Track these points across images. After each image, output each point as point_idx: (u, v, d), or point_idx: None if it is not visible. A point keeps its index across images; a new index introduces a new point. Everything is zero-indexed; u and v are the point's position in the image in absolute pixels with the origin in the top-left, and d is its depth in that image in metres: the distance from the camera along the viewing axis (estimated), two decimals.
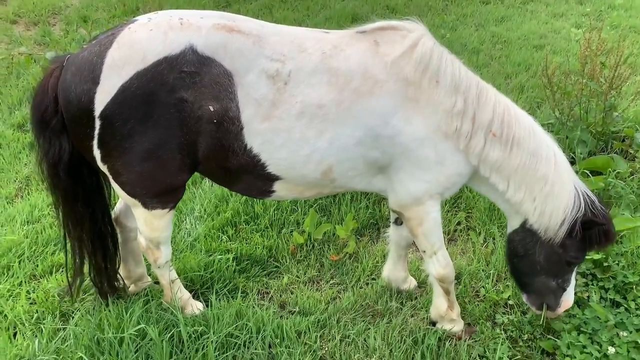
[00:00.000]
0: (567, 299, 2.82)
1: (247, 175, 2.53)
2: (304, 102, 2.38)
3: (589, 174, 3.94)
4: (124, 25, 2.39)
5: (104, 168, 2.47)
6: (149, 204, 2.56)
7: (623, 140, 4.59)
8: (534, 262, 2.77)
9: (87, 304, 3.07)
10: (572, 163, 3.29)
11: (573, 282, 2.81)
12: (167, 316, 2.88)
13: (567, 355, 2.74)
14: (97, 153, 2.42)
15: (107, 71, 2.26)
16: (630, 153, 4.46)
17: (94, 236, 2.79)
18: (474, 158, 2.55)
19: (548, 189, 2.59)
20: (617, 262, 3.25)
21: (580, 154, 4.26)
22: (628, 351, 2.70)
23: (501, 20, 8.40)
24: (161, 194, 2.53)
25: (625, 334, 2.79)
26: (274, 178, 2.56)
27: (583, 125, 4.40)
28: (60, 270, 3.31)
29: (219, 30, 2.34)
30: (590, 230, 2.62)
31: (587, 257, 2.96)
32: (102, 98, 2.28)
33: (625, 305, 3.05)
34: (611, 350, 2.69)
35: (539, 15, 8.67)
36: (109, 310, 2.89)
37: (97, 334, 2.72)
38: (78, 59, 2.34)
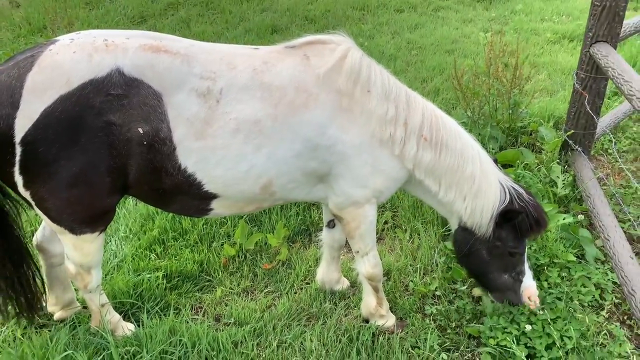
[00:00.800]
0: (528, 287, 2.92)
1: (183, 195, 2.50)
2: (238, 119, 2.38)
3: (501, 167, 4.22)
4: (43, 46, 2.28)
5: (26, 194, 2.36)
6: (76, 230, 2.46)
7: (530, 135, 4.96)
8: (480, 258, 2.92)
9: (6, 335, 2.89)
10: None
11: (528, 272, 2.94)
12: (96, 340, 2.78)
13: (490, 337, 2.92)
14: (18, 179, 2.30)
15: (28, 95, 2.16)
16: (537, 146, 4.82)
17: (4, 266, 2.64)
18: (409, 162, 2.66)
19: (476, 187, 2.74)
20: (529, 246, 3.50)
21: (492, 149, 4.55)
22: (543, 327, 2.91)
23: (415, 27, 8.80)
24: (90, 218, 2.45)
25: (540, 312, 3.01)
26: (211, 196, 2.53)
27: (493, 123, 4.71)
28: None
29: (145, 50, 2.30)
30: (515, 220, 2.77)
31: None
32: (22, 123, 2.17)
33: (539, 286, 3.30)
34: (528, 327, 2.89)
35: (449, 21, 9.17)
36: (32, 340, 2.74)
37: None
38: None
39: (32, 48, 2.33)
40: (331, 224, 3.17)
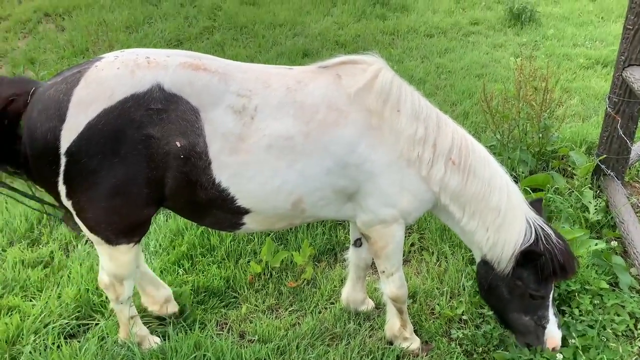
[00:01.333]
0: (552, 336, 2.77)
1: (217, 209, 2.56)
2: (271, 135, 2.44)
3: (530, 191, 4.17)
4: (90, 62, 2.42)
5: (68, 204, 2.46)
6: (113, 240, 2.55)
7: (561, 159, 4.89)
8: (499, 296, 2.82)
9: (37, 344, 2.97)
10: (515, 181, 3.50)
11: (553, 319, 2.78)
12: (124, 352, 2.83)
13: None
14: (62, 189, 2.41)
15: (74, 109, 2.28)
16: (568, 170, 4.74)
17: None
18: (435, 185, 2.65)
19: (500, 219, 2.67)
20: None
21: (522, 172, 4.50)
22: (575, 356, 2.83)
23: (445, 51, 8.83)
24: (127, 229, 2.53)
25: (572, 340, 2.93)
26: (243, 211, 2.58)
27: (523, 146, 4.67)
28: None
29: (185, 68, 2.40)
30: (536, 261, 2.65)
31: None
32: (68, 135, 2.29)
33: (569, 313, 3.21)
34: (559, 357, 2.81)
35: (480, 46, 9.17)
36: (61, 351, 2.81)
37: None
38: (44, 97, 2.34)
39: (79, 65, 2.47)
40: (358, 243, 3.17)
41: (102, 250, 2.62)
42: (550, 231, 2.74)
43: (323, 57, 8.22)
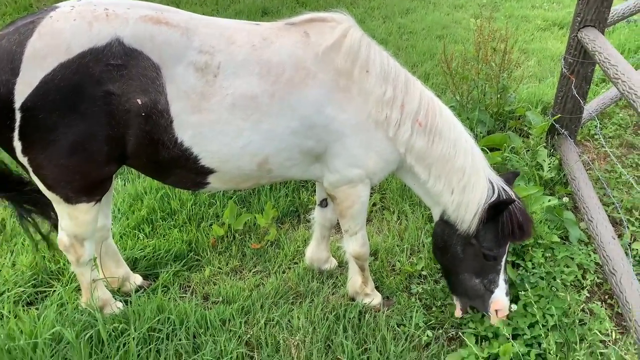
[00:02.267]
0: (498, 299, 2.77)
1: (180, 169, 2.51)
2: (234, 94, 2.38)
3: (488, 150, 4.27)
4: (44, 12, 2.28)
5: (24, 160, 2.36)
6: (72, 199, 2.47)
7: (518, 119, 5.01)
8: (453, 255, 2.84)
9: None
10: None
11: (503, 285, 2.79)
12: (84, 318, 2.79)
13: (473, 315, 2.97)
14: (17, 145, 2.30)
15: (28, 62, 2.16)
16: (524, 130, 4.87)
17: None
18: (401, 146, 2.64)
19: (465, 181, 2.70)
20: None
21: (480, 132, 4.59)
22: (525, 306, 2.97)
23: (406, 12, 8.79)
24: (87, 187, 2.46)
25: (523, 292, 3.06)
26: (207, 171, 2.54)
27: (481, 107, 4.75)
28: None
29: (146, 22, 2.29)
30: (501, 213, 2.66)
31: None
32: (22, 89, 2.17)
33: (523, 266, 3.36)
34: (513, 307, 2.94)
35: (441, 7, 9.16)
36: (19, 318, 2.75)
37: (7, 343, 2.58)
38: None
39: (33, 14, 2.32)
40: (324, 203, 3.19)
41: (61, 209, 2.54)
42: (511, 192, 2.78)
43: (283, 15, 8.05)
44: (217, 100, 2.37)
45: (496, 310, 2.80)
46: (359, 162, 2.65)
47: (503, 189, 2.77)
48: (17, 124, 2.24)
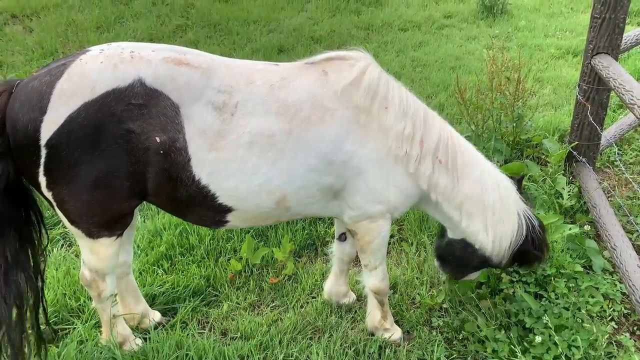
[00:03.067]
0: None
1: (198, 206, 2.54)
2: (252, 132, 2.42)
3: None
4: (76, 55, 2.41)
5: (49, 195, 2.44)
6: (94, 233, 2.52)
7: (535, 147, 4.98)
8: (465, 265, 3.06)
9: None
10: None
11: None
12: (104, 355, 2.80)
13: (495, 350, 2.90)
14: (42, 180, 2.39)
15: (55, 101, 2.27)
16: (542, 158, 4.83)
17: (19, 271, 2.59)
18: (423, 182, 2.65)
19: (497, 217, 2.73)
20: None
21: (497, 161, 4.56)
22: (550, 337, 2.89)
23: (419, 45, 8.90)
24: (108, 222, 2.51)
25: (546, 318, 2.97)
26: (226, 209, 2.56)
27: (497, 136, 4.74)
28: None
29: (167, 63, 2.38)
30: (528, 258, 2.91)
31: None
32: (48, 127, 2.28)
33: (546, 297, 3.28)
34: (538, 339, 2.87)
35: (453, 39, 9.26)
36: (39, 356, 2.77)
37: None
38: (27, 88, 2.33)
39: (66, 57, 2.45)
40: (342, 237, 3.18)
41: (84, 243, 2.59)
42: (535, 222, 2.87)
43: (298, 53, 8.22)
44: (233, 138, 2.41)
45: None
46: (379, 198, 2.65)
47: (529, 218, 2.85)
48: (43, 160, 2.33)
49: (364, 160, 2.55)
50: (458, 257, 3.01)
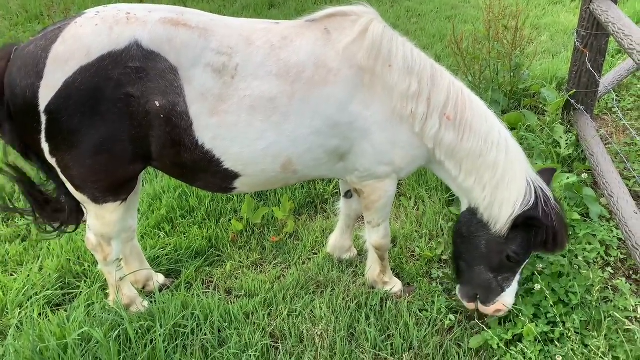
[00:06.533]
0: (504, 301, 2.70)
1: (204, 172, 2.51)
2: (252, 96, 2.36)
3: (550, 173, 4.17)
4: (72, 18, 2.35)
5: (52, 161, 2.43)
6: (100, 199, 2.52)
7: (533, 97, 4.93)
8: (475, 247, 2.73)
9: (23, 317, 2.98)
10: None
11: (514, 286, 2.71)
12: (111, 317, 2.86)
13: None
14: (45, 146, 2.38)
15: (51, 66, 2.23)
16: (540, 108, 4.79)
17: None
18: (429, 141, 2.57)
19: (498, 178, 2.56)
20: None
21: (495, 112, 4.51)
22: (548, 284, 2.95)
23: None
24: (113, 186, 2.50)
25: (541, 265, 3.02)
26: (232, 175, 2.53)
27: (494, 86, 4.69)
28: None
29: (164, 24, 2.31)
30: (535, 228, 2.55)
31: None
32: (46, 93, 2.24)
33: None
34: (537, 287, 2.91)
35: None
36: (49, 320, 2.83)
37: (38, 344, 2.66)
38: (24, 53, 2.29)
39: (62, 20, 2.39)
40: (349, 195, 3.18)
41: (90, 209, 2.60)
42: (550, 195, 2.63)
43: (290, 7, 8.00)
44: (234, 102, 2.36)
45: (497, 310, 2.73)
46: (385, 159, 2.61)
47: (542, 189, 2.61)
48: (43, 126, 2.31)
49: (369, 122, 2.50)
50: (467, 235, 2.75)
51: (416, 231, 3.65)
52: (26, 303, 3.08)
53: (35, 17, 7.65)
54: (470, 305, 2.85)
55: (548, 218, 2.55)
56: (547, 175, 2.80)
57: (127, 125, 2.31)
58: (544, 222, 2.53)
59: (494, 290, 2.73)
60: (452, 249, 2.98)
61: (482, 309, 2.79)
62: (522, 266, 2.73)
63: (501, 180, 2.57)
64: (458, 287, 2.91)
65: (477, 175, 2.61)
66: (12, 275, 3.37)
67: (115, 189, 2.53)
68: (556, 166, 3.68)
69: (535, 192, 2.59)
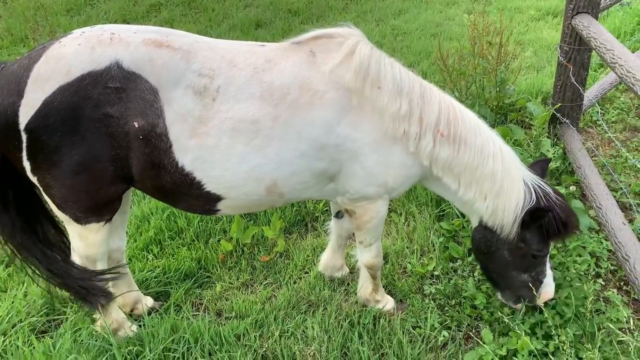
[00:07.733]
0: (547, 290, 2.79)
1: (185, 195, 2.48)
2: (234, 118, 2.34)
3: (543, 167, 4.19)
4: (57, 38, 2.35)
5: (34, 180, 2.40)
6: (82, 219, 2.48)
7: (519, 111, 4.98)
8: (500, 258, 2.78)
9: (7, 345, 2.89)
10: None
11: (549, 272, 2.80)
12: (99, 343, 2.79)
13: (492, 314, 2.95)
14: (26, 164, 2.36)
15: (32, 85, 2.22)
16: (526, 122, 4.84)
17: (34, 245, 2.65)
18: (425, 159, 2.57)
19: (498, 186, 2.60)
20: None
21: None
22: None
23: (399, 13, 8.80)
24: (95, 206, 2.46)
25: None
26: (214, 197, 2.49)
27: (481, 102, 4.73)
28: None
29: (147, 45, 2.31)
30: (543, 220, 2.61)
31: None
32: (26, 111, 2.23)
33: None
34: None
35: (433, 5, 9.16)
36: (34, 348, 2.75)
37: None
38: (8, 72, 2.30)
39: (48, 41, 2.40)
40: (339, 215, 3.16)
41: (72, 229, 2.56)
42: (549, 189, 2.70)
43: (276, 26, 8.07)
44: (214, 125, 2.34)
45: (546, 300, 2.80)
46: (377, 181, 2.59)
47: (540, 187, 2.68)
48: (24, 144, 2.29)
49: (358, 144, 2.48)
50: (487, 251, 2.81)
51: (407, 247, 3.63)
52: (10, 330, 3.00)
53: (21, 39, 7.62)
54: (518, 307, 2.90)
55: (550, 206, 2.62)
56: (541, 167, 2.87)
57: (107, 146, 2.29)
58: (547, 209, 2.59)
59: (534, 285, 2.78)
60: (479, 265, 3.03)
61: (540, 302, 2.80)
62: (548, 254, 2.79)
63: (501, 188, 2.62)
64: (499, 293, 2.95)
65: (477, 187, 2.65)
66: None
67: (98, 209, 2.49)
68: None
69: (535, 191, 2.66)
